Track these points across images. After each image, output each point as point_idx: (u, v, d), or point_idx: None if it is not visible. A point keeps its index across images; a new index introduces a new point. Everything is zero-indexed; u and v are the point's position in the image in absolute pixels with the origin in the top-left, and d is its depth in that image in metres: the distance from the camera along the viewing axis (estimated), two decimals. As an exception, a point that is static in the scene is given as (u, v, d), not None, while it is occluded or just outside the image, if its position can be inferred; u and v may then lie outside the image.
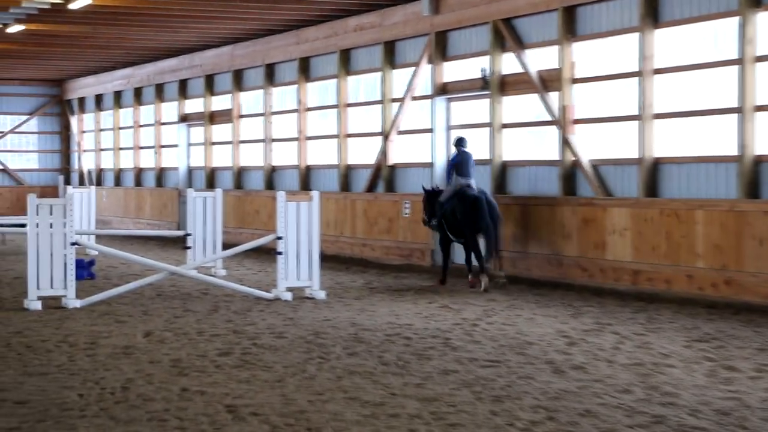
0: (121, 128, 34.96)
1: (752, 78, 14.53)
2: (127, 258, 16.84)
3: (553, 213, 17.41)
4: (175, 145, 31.20)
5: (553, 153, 17.96)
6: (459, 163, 17.48)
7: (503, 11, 18.62)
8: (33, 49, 28.94)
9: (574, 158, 17.43)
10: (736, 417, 8.13)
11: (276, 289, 15.86)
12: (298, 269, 15.88)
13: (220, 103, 28.97)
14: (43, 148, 38.79)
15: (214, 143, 29.30)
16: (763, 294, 14.00)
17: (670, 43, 15.93)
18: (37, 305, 14.59)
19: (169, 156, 31.90)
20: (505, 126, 19.03)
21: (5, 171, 38.01)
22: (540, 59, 18.17)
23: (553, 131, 17.92)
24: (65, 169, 38.67)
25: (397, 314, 14.11)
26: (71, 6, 20.80)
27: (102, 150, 36.46)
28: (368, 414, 8.22)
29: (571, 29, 17.44)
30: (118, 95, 34.83)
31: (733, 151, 14.81)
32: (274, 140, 26.38)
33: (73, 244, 14.77)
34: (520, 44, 18.43)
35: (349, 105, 23.43)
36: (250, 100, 27.52)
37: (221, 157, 29.01)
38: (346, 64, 23.29)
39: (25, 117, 38.27)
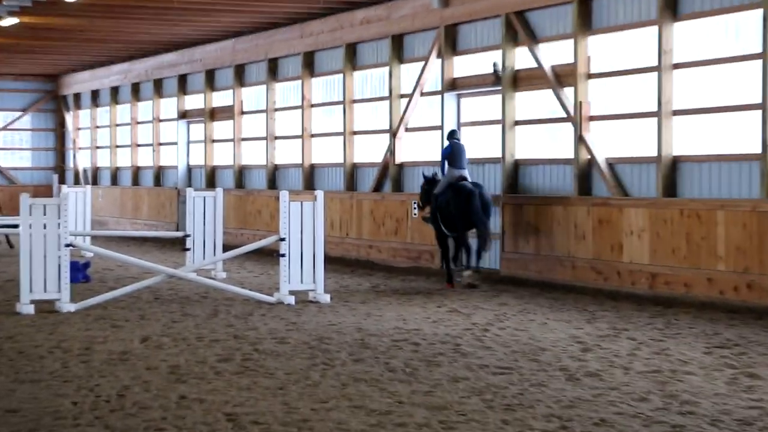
0: (118, 125, 35.00)
1: (775, 73, 14.50)
2: (123, 260, 16.84)
3: (567, 213, 17.39)
4: (174, 143, 31.22)
5: (567, 151, 17.94)
6: (451, 154, 18.04)
7: (516, 3, 18.60)
8: (27, 43, 28.99)
9: (589, 156, 17.41)
10: (759, 427, 8.10)
11: (278, 292, 15.85)
12: (302, 272, 15.87)
13: (220, 99, 28.98)
14: (36, 146, 38.85)
15: (214, 141, 29.32)
16: (787, 298, 13.98)
17: (690, 36, 15.90)
18: (30, 309, 14.59)
19: (167, 154, 31.92)
20: (517, 123, 19.01)
21: (-2, 169, 38.13)
22: (554, 53, 18.15)
23: (568, 128, 17.90)
24: (60, 168, 38.71)
25: (405, 319, 14.11)
26: (66, -2, 20.85)
27: (98, 148, 36.50)
28: (374, 423, 8.21)
29: (586, 22, 17.42)
30: (115, 91, 34.86)
31: (756, 149, 14.77)
32: (276, 138, 26.39)
33: (67, 245, 14.77)
34: (533, 38, 18.41)
35: (355, 101, 23.43)
36: (252, 96, 27.53)
37: (222, 156, 29.03)
38: (353, 58, 23.28)
39: (18, 113, 38.33)
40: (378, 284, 18.56)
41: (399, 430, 8.02)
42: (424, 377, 10.03)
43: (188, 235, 19.79)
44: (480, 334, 12.76)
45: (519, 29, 18.59)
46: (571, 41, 17.58)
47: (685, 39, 15.95)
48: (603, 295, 16.33)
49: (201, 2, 22.40)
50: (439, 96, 20.66)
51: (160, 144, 32.26)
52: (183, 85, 30.70)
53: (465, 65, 20.29)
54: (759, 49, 14.73)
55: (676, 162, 16.08)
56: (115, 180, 35.18)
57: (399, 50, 21.88)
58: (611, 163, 17.17)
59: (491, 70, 19.34)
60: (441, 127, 20.44)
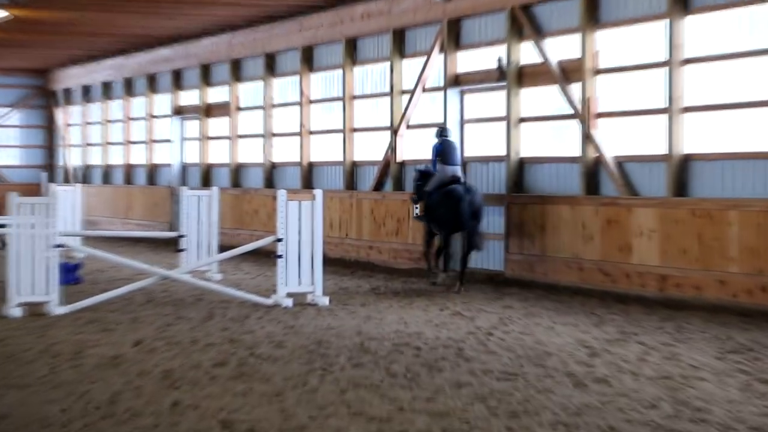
0: (110, 122, 35.03)
1: (790, 68, 14.50)
2: (115, 261, 16.84)
3: (574, 213, 17.38)
4: (169, 140, 31.25)
5: (574, 149, 17.94)
6: (442, 152, 18.33)
7: (521, -4, 18.62)
8: (15, 37, 28.98)
9: (596, 154, 17.40)
10: (773, 435, 8.10)
11: (275, 294, 15.85)
12: (300, 273, 15.87)
13: (216, 95, 29.00)
14: (25, 143, 38.86)
15: (210, 138, 29.34)
16: (802, 302, 13.97)
17: (702, 30, 15.89)
18: (18, 312, 14.59)
19: (161, 151, 31.94)
20: (522, 120, 19.01)
21: (-15, 167, 38.16)
22: (561, 48, 18.15)
23: (575, 125, 17.90)
24: (49, 166, 38.72)
25: (406, 322, 14.11)
26: (56, -10, 20.86)
27: (89, 145, 36.53)
28: (374, 430, 8.21)
29: (594, 16, 17.41)
30: (107, 86, 34.89)
31: (770, 147, 14.78)
32: (274, 135, 26.40)
33: (57, 246, 14.76)
34: (539, 32, 18.41)
35: (356, 97, 23.43)
36: (249, 91, 27.54)
37: (218, 153, 29.04)
38: (353, 53, 23.28)
39: (6, 109, 38.34)
40: (378, 286, 18.56)
41: (400, 437, 8.03)
42: (426, 383, 10.01)
43: (183, 236, 19.79)
44: (484, 338, 12.76)
45: (524, 23, 18.58)
46: (579, 35, 17.57)
47: (697, 33, 15.94)
48: (611, 297, 16.33)
49: (196, -5, 22.45)
50: (442, 92, 20.66)
51: (154, 141, 32.28)
52: (177, 80, 30.71)
53: (468, 60, 20.29)
54: (773, 44, 14.74)
55: (687, 160, 16.06)
56: (107, 178, 35.20)
57: (400, 45, 21.88)
58: (620, 162, 17.16)
59: (495, 66, 19.34)
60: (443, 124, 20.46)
